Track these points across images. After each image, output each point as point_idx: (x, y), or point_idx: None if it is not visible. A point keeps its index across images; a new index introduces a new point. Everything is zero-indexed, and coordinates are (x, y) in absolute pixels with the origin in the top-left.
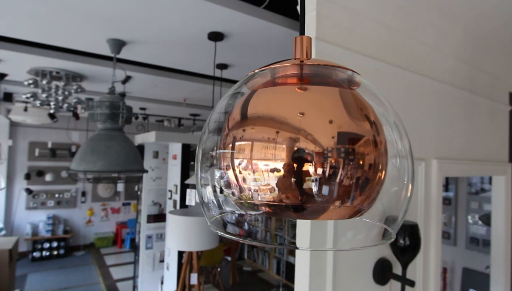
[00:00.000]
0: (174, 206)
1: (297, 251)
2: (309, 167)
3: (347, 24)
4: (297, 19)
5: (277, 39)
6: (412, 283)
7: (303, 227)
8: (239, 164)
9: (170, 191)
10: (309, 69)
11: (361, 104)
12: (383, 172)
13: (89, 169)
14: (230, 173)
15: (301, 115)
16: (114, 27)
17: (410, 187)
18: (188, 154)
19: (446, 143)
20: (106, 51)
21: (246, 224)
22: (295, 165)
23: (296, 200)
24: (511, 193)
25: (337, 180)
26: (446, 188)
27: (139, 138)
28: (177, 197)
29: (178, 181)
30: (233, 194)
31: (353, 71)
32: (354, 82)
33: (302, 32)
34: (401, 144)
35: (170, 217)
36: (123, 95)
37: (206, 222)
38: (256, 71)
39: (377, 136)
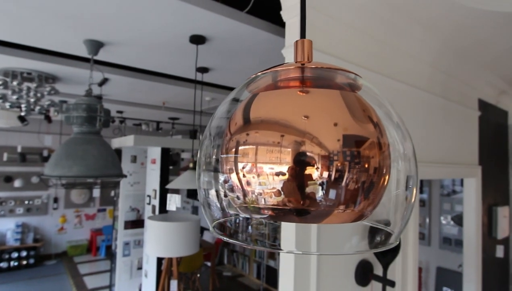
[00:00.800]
0: (153, 212)
1: (281, 254)
2: (315, 171)
3: (331, 31)
4: (280, 24)
5: (259, 44)
6: (392, 284)
7: (287, 230)
8: (243, 168)
9: (149, 196)
10: (311, 72)
11: (364, 106)
12: (387, 175)
13: (64, 174)
14: (234, 177)
15: (306, 118)
16: (91, 28)
17: (414, 191)
18: (167, 158)
19: (422, 147)
20: (82, 52)
21: (250, 227)
22: (300, 169)
23: (301, 204)
24: (481, 194)
25: (343, 183)
26: (420, 190)
27: (116, 143)
28: (156, 202)
29: (157, 186)
30: (237, 198)
31: (355, 74)
32: (356, 85)
33: (303, 35)
34: (404, 147)
35: (149, 223)
36: (99, 98)
37: (186, 227)
38: (258, 74)
39: (381, 139)
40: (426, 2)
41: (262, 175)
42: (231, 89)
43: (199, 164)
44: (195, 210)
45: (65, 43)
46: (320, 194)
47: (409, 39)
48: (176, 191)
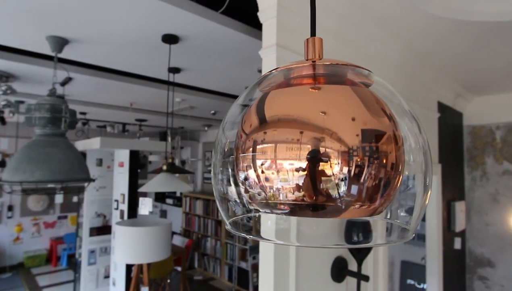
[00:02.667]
0: (121, 217)
1: (261, 254)
2: (335, 166)
3: (304, 31)
4: (255, 26)
5: (233, 45)
6: (367, 278)
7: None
8: (262, 165)
9: (117, 200)
10: (324, 69)
11: (378, 101)
12: (403, 170)
13: (26, 179)
14: (254, 174)
15: (324, 114)
16: (56, 24)
17: (429, 184)
18: (136, 160)
19: None
20: (44, 49)
21: (269, 222)
22: (320, 164)
23: (320, 199)
24: (441, 190)
25: (363, 179)
26: None
27: (80, 145)
28: (124, 206)
29: (125, 190)
30: (258, 194)
31: (368, 70)
32: (369, 80)
33: (313, 33)
34: (420, 139)
35: (117, 229)
36: (61, 98)
37: (158, 232)
38: (272, 72)
39: (396, 132)
40: (392, 8)
41: (282, 171)
42: (203, 90)
43: (215, 164)
44: (163, 214)
45: (25, 39)
46: (342, 189)
47: (376, 42)
48: (143, 195)
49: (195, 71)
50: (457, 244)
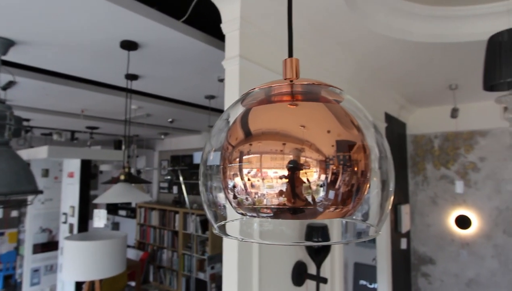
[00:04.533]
0: (71, 231)
1: (224, 261)
2: (314, 174)
3: (266, 45)
4: (216, 35)
5: (194, 53)
6: (325, 280)
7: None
8: (248, 173)
9: (65, 213)
10: (302, 88)
11: (348, 115)
12: (371, 176)
13: None
14: (241, 182)
15: (303, 127)
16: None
17: (391, 188)
18: (88, 170)
19: None
20: None
21: (255, 225)
22: (301, 173)
23: (301, 204)
24: None
25: (338, 184)
26: None
27: (23, 155)
28: (74, 220)
29: (76, 202)
30: (246, 199)
31: (339, 89)
32: (340, 97)
33: (290, 54)
34: (383, 148)
35: (66, 244)
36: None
37: (112, 245)
38: (255, 89)
39: (364, 142)
40: (345, 27)
41: (266, 178)
42: (161, 98)
43: (205, 174)
44: (115, 227)
45: None
46: (321, 194)
47: (330, 57)
48: (95, 207)
49: (153, 78)
50: (403, 244)
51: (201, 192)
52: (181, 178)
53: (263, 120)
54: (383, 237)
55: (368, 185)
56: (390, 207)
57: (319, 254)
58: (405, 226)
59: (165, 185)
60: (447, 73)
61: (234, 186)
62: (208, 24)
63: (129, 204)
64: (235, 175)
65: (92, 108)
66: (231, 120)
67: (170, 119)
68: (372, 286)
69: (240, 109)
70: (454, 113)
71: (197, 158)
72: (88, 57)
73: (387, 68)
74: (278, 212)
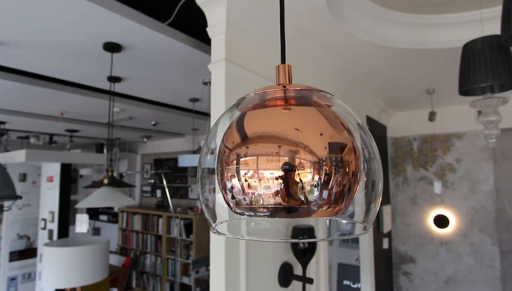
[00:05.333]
0: (50, 237)
1: (212, 263)
2: (308, 175)
3: (251, 49)
4: (201, 39)
5: (179, 56)
6: (311, 281)
7: (218, 241)
8: (246, 174)
9: (44, 219)
10: (295, 93)
11: (338, 118)
12: (361, 176)
13: None
14: (239, 183)
15: (297, 130)
16: None
17: (380, 185)
18: (68, 175)
19: None
20: None
21: (253, 223)
22: (296, 173)
23: (297, 202)
24: None
25: (331, 185)
26: None
27: None
28: (53, 225)
29: (55, 207)
30: (244, 199)
31: (330, 94)
32: (330, 101)
33: (283, 61)
34: (371, 149)
35: (46, 251)
36: None
37: (94, 251)
38: (251, 94)
39: (354, 143)
40: (329, 33)
41: (263, 179)
42: (144, 100)
43: (202, 176)
44: (96, 232)
45: None
46: (315, 194)
47: (316, 62)
48: (74, 212)
49: (137, 81)
50: (385, 244)
51: (198, 194)
52: (164, 181)
53: (258, 124)
54: (366, 237)
55: (358, 185)
56: (379, 206)
57: (305, 254)
58: (386, 226)
59: (148, 188)
60: (425, 79)
61: (232, 187)
62: (193, 27)
63: (111, 208)
64: (232, 176)
65: (72, 110)
66: (227, 124)
67: (153, 122)
68: (355, 285)
69: (235, 114)
70: (431, 116)
71: (181, 161)
72: (70, 58)
73: (369, 73)
74: (275, 211)
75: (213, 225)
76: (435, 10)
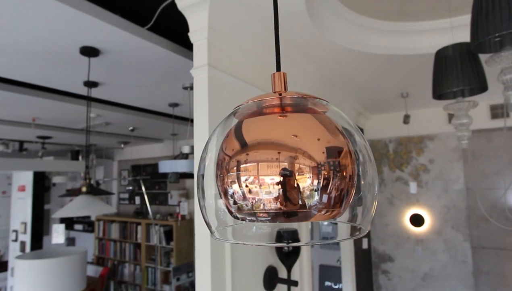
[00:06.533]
0: (22, 249)
1: (197, 269)
2: (307, 179)
3: (234, 54)
4: (181, 43)
5: (158, 61)
6: (296, 283)
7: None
8: (246, 180)
9: (16, 231)
10: (291, 100)
11: (333, 123)
12: (357, 180)
13: None
14: (240, 189)
15: (295, 137)
16: None
17: (376, 187)
18: (42, 183)
19: None
20: None
21: (254, 228)
22: (296, 178)
23: (298, 207)
24: None
25: (330, 189)
26: None
27: None
28: (26, 237)
29: (28, 218)
30: (246, 205)
31: (325, 100)
32: (325, 107)
33: (278, 69)
34: (366, 151)
35: (18, 264)
36: None
37: (71, 262)
38: (249, 102)
39: (350, 147)
40: (309, 38)
41: (264, 185)
42: (121, 105)
43: (201, 183)
44: (71, 242)
45: None
46: (315, 198)
47: (293, 65)
48: (48, 222)
49: (115, 85)
50: (365, 244)
51: (198, 199)
52: (143, 188)
53: (257, 131)
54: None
55: (354, 188)
56: (375, 208)
57: (290, 257)
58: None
59: (126, 195)
60: (399, 83)
61: (233, 193)
62: (173, 32)
63: (86, 217)
64: (233, 182)
65: (44, 116)
66: (225, 132)
67: (131, 128)
68: (337, 286)
69: (232, 122)
70: (406, 119)
71: (162, 167)
72: (44, 63)
73: (345, 76)
74: (275, 216)
75: (213, 228)
76: (408, 18)
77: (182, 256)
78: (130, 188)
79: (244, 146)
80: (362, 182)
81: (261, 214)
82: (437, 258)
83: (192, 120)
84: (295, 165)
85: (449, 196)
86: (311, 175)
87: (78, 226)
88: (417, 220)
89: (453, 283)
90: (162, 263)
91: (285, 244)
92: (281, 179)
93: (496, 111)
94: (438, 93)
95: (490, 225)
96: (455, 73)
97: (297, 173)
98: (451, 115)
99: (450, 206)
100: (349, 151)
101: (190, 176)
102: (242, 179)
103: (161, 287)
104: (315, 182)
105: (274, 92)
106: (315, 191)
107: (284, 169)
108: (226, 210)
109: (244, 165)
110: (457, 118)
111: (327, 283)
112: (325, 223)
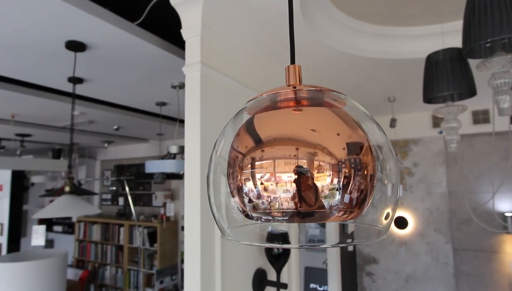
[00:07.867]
0: None
1: (186, 271)
2: (327, 177)
3: (227, 52)
4: (172, 40)
5: (148, 58)
6: (285, 286)
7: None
8: (262, 178)
9: None
10: (307, 93)
11: (352, 118)
12: (376, 178)
13: None
14: (256, 188)
15: (314, 131)
16: None
17: (399, 187)
18: (20, 183)
19: None
20: None
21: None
22: (315, 176)
23: (317, 207)
24: None
25: (350, 187)
26: None
27: None
28: (3, 239)
29: (5, 219)
30: (262, 203)
31: (344, 94)
32: (342, 101)
33: (292, 61)
34: (388, 146)
35: None
36: None
37: (51, 265)
38: (263, 95)
39: (370, 143)
40: (302, 38)
41: (281, 183)
42: (106, 103)
43: (213, 183)
44: (50, 244)
45: None
46: (336, 197)
47: (284, 64)
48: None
49: (100, 82)
50: (350, 246)
51: (208, 198)
52: (127, 189)
53: (272, 127)
54: (332, 240)
55: (374, 187)
56: (396, 209)
57: (280, 260)
58: (350, 227)
59: (108, 196)
60: (387, 87)
61: (248, 191)
62: (163, 28)
63: (66, 218)
64: (247, 180)
65: (24, 113)
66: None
67: (115, 127)
68: (322, 288)
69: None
70: (392, 123)
71: (149, 167)
72: (26, 57)
73: (334, 79)
74: (292, 216)
75: (226, 229)
76: (400, 22)
77: (166, 258)
78: (114, 188)
79: (259, 142)
80: (386, 181)
81: (277, 213)
82: (420, 259)
83: (180, 120)
84: (315, 161)
85: (432, 199)
86: (331, 173)
87: (58, 228)
88: (401, 222)
89: (435, 284)
90: (145, 266)
91: (298, 246)
92: (300, 176)
93: (478, 117)
94: (428, 97)
95: (470, 227)
96: (446, 77)
97: (316, 171)
98: (436, 120)
99: (433, 208)
100: (369, 146)
101: (177, 176)
102: (257, 176)
103: (144, 290)
104: (335, 180)
105: (288, 85)
106: (336, 190)
107: (302, 166)
108: (240, 210)
109: (259, 162)
110: (446, 122)
111: (313, 285)
112: (312, 225)
